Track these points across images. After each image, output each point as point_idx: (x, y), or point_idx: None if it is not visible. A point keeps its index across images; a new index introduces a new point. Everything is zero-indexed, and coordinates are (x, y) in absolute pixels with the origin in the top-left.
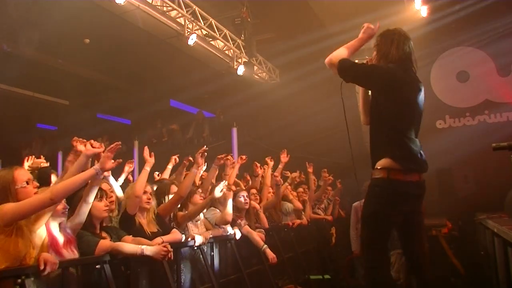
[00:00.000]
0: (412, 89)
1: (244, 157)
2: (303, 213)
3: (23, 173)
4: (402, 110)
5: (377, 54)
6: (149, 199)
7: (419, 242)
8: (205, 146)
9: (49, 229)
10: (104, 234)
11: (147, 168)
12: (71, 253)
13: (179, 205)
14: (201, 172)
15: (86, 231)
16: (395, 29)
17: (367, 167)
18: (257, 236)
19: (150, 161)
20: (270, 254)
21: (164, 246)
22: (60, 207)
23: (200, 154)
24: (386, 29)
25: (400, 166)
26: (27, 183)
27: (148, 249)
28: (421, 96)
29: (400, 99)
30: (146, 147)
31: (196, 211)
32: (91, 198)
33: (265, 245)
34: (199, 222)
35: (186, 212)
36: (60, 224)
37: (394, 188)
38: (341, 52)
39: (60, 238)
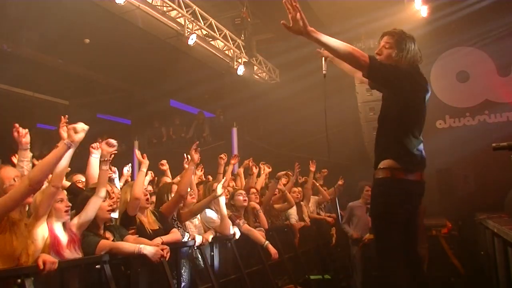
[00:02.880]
0: (423, 91)
1: (235, 154)
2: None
3: (9, 171)
4: (412, 111)
5: (389, 55)
6: (148, 198)
7: (417, 243)
8: (197, 142)
9: (51, 229)
10: (107, 234)
11: (143, 169)
12: (74, 253)
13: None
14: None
15: (89, 232)
16: (402, 30)
17: (366, 168)
18: (258, 233)
19: (145, 162)
20: (272, 250)
21: (162, 248)
22: (62, 206)
23: (193, 150)
24: (393, 29)
25: (403, 166)
26: (15, 180)
27: (147, 248)
28: (428, 96)
29: (412, 101)
30: (136, 150)
31: (199, 207)
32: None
33: (267, 242)
34: (197, 222)
35: (189, 209)
36: (65, 224)
37: (399, 186)
38: (358, 50)
39: (64, 238)
